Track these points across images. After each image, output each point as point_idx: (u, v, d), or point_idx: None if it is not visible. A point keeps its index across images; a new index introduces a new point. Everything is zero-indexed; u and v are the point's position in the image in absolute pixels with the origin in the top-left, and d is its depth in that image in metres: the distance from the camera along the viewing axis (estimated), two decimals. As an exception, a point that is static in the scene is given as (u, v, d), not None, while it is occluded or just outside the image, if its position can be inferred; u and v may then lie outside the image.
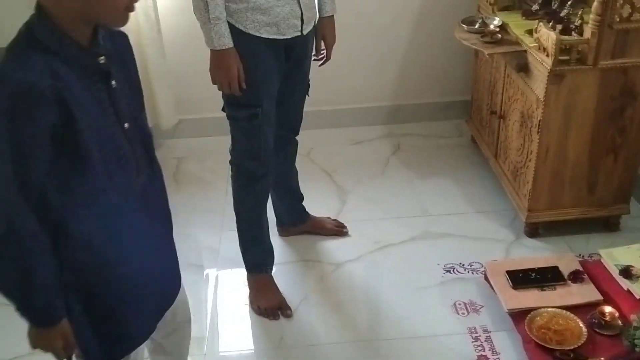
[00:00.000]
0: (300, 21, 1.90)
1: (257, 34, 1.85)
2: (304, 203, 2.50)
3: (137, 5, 1.16)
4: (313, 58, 2.13)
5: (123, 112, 1.21)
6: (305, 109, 2.25)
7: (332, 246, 2.48)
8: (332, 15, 2.09)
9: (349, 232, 2.54)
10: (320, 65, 2.17)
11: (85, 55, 1.13)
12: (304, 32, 1.94)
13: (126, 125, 1.22)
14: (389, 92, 3.30)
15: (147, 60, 2.84)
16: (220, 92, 1.95)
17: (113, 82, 1.18)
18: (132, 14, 1.16)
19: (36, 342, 1.24)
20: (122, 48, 1.25)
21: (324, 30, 2.09)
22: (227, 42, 1.81)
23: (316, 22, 2.05)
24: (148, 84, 2.91)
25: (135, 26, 2.75)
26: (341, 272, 2.36)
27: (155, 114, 3.00)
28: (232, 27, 1.82)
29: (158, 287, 1.41)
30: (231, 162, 2.12)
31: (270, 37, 1.87)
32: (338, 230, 2.54)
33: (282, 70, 1.99)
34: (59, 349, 1.24)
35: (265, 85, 1.94)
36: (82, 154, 1.14)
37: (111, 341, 1.34)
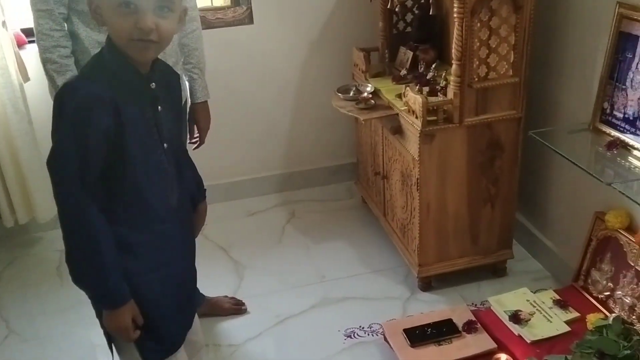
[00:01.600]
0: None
1: None
2: (198, 284, 2.42)
3: (3, 92, 1.25)
4: (188, 142, 2.12)
5: (164, 134, 1.42)
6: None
7: (230, 326, 2.41)
8: (206, 101, 2.10)
9: (248, 309, 2.48)
10: (194, 149, 2.15)
11: (141, 80, 1.37)
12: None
13: (165, 145, 1.43)
14: (280, 161, 3.34)
15: (18, 153, 2.69)
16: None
17: (159, 107, 1.41)
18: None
19: (111, 324, 1.40)
20: (173, 83, 1.50)
21: (197, 115, 2.10)
22: None
23: (189, 107, 2.05)
24: (20, 177, 2.75)
25: (3, 118, 2.62)
26: (242, 352, 2.29)
27: (31, 207, 2.83)
28: None
29: (186, 292, 1.60)
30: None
31: None
32: (236, 308, 2.47)
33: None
34: (130, 328, 1.40)
35: None
36: (127, 161, 1.34)
37: (148, 344, 1.47)
